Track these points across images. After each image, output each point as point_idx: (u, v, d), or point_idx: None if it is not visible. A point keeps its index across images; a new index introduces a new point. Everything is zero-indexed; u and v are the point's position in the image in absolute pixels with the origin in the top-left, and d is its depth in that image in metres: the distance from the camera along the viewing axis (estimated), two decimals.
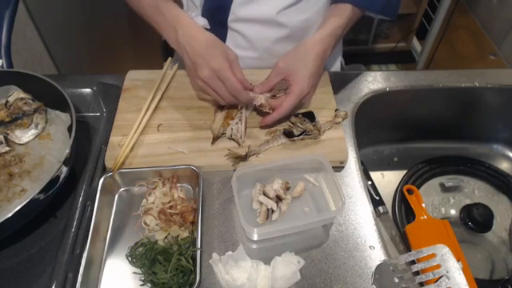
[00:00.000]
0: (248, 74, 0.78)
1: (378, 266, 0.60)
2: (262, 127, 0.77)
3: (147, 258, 0.60)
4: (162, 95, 0.81)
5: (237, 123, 0.75)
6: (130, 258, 0.62)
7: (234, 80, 0.68)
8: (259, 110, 0.77)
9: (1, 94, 0.74)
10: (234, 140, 0.75)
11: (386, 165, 0.98)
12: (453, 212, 0.88)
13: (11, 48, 0.80)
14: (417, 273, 0.59)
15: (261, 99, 0.74)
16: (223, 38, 0.88)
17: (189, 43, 0.72)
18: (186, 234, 0.64)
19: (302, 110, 0.79)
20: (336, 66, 1.03)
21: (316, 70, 0.74)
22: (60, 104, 0.70)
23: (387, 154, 1.00)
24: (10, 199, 0.63)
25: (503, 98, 0.91)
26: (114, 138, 0.74)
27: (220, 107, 0.78)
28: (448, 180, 0.91)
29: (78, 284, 0.56)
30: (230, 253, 0.61)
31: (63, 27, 1.62)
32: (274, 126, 0.77)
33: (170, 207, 0.66)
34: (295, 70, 0.73)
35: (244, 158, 0.71)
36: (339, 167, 0.74)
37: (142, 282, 0.60)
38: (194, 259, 0.59)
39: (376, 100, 0.87)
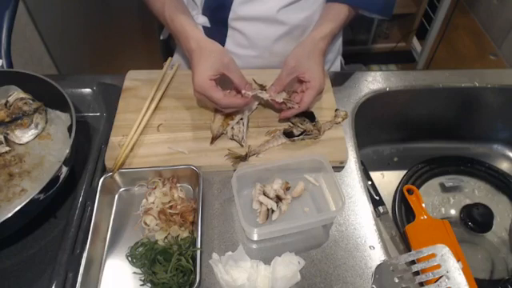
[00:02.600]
0: (248, 73, 0.78)
1: (378, 266, 0.60)
2: (281, 120, 0.78)
3: (147, 257, 0.60)
4: (162, 95, 0.81)
5: (237, 123, 0.75)
6: (130, 258, 0.62)
7: (218, 97, 0.69)
8: (268, 104, 0.78)
9: (1, 94, 0.74)
10: (235, 141, 0.75)
11: (386, 165, 0.98)
12: (453, 212, 0.88)
13: (11, 48, 0.80)
14: (417, 273, 0.59)
15: (265, 96, 0.74)
16: (223, 36, 0.88)
17: (188, 56, 0.75)
18: (186, 234, 0.64)
19: None
20: (336, 66, 1.03)
21: (323, 65, 0.76)
22: (60, 104, 0.70)
23: (387, 154, 1.00)
24: (10, 199, 0.63)
25: (503, 98, 0.91)
26: (113, 138, 0.74)
27: None
28: (448, 180, 0.91)
29: (78, 284, 0.56)
30: (229, 253, 0.61)
31: (63, 27, 1.62)
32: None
33: (170, 207, 0.66)
34: (308, 67, 0.74)
35: (244, 158, 0.71)
36: (339, 167, 0.74)
37: (142, 282, 0.60)
38: (194, 259, 0.59)
39: (376, 100, 0.87)
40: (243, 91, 0.72)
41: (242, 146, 0.74)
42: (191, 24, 0.77)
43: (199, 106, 0.81)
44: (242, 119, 0.76)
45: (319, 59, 0.75)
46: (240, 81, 0.72)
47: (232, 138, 0.74)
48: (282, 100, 0.74)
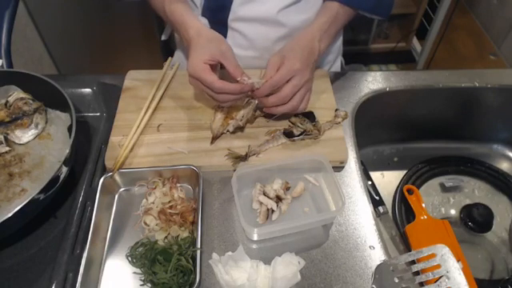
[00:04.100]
0: (249, 74, 0.77)
1: (378, 266, 0.60)
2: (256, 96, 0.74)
3: (147, 258, 0.60)
4: (162, 95, 0.81)
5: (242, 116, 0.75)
6: (130, 258, 0.62)
7: (210, 80, 0.67)
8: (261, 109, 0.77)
9: (1, 94, 0.74)
10: (237, 127, 0.74)
11: (386, 165, 0.98)
12: (453, 212, 0.88)
13: (11, 48, 0.80)
14: (417, 273, 0.59)
15: (256, 83, 0.70)
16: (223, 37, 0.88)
17: (187, 47, 0.74)
18: (186, 234, 0.64)
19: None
20: (336, 66, 1.03)
21: (306, 55, 0.73)
22: (60, 104, 0.70)
23: (387, 154, 1.00)
24: (10, 199, 0.63)
25: (503, 98, 0.91)
26: (113, 138, 0.74)
27: (220, 107, 0.78)
28: (448, 180, 0.91)
29: (78, 284, 0.56)
30: (229, 253, 0.61)
31: (63, 27, 1.62)
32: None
33: (170, 207, 0.66)
34: (286, 55, 0.72)
35: (244, 157, 0.71)
36: (339, 167, 0.74)
37: (142, 282, 0.60)
38: (194, 259, 0.59)
39: (376, 100, 0.87)
40: (239, 79, 0.69)
41: (240, 127, 0.75)
42: (191, 14, 0.77)
43: (197, 95, 0.80)
44: (243, 116, 0.75)
45: (301, 49, 0.73)
46: (235, 70, 0.69)
47: (233, 131, 0.75)
48: (257, 87, 0.70)
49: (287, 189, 0.70)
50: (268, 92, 0.71)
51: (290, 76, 0.71)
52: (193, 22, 0.75)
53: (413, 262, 0.59)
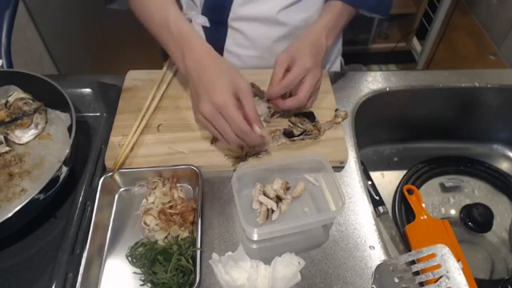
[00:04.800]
0: (249, 74, 0.78)
1: (378, 266, 0.60)
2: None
3: (147, 258, 0.60)
4: (162, 95, 0.81)
5: None
6: (130, 258, 0.62)
7: (241, 119, 0.60)
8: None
9: (1, 94, 0.74)
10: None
11: (386, 165, 0.98)
12: (453, 212, 0.88)
13: (11, 48, 0.80)
14: (417, 273, 0.59)
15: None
16: (223, 36, 0.88)
17: (195, 69, 0.66)
18: (186, 234, 0.64)
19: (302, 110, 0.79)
20: (336, 66, 1.03)
21: (314, 52, 0.73)
22: (60, 104, 0.70)
23: (387, 154, 1.00)
24: (10, 199, 0.63)
25: (503, 98, 0.91)
26: (113, 138, 0.74)
27: None
28: (448, 180, 0.91)
29: (78, 284, 0.56)
30: (229, 253, 0.61)
31: (63, 27, 1.62)
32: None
33: (170, 207, 0.66)
34: (295, 55, 0.72)
35: (244, 157, 0.71)
36: (339, 167, 0.74)
37: (142, 282, 0.60)
38: (194, 259, 0.59)
39: (376, 100, 0.87)
40: (254, 125, 0.63)
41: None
42: (200, 37, 0.71)
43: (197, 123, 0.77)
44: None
45: (309, 48, 0.73)
46: (253, 112, 0.63)
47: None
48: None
49: (287, 189, 0.70)
50: (282, 93, 0.72)
51: (304, 75, 0.71)
52: (204, 43, 0.69)
53: (413, 262, 0.59)
